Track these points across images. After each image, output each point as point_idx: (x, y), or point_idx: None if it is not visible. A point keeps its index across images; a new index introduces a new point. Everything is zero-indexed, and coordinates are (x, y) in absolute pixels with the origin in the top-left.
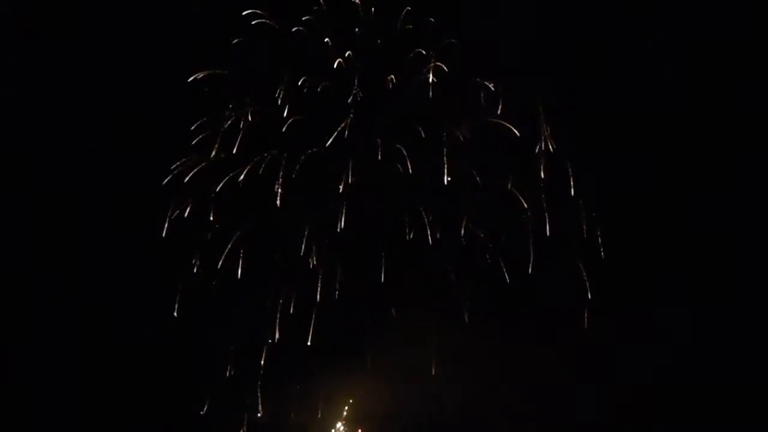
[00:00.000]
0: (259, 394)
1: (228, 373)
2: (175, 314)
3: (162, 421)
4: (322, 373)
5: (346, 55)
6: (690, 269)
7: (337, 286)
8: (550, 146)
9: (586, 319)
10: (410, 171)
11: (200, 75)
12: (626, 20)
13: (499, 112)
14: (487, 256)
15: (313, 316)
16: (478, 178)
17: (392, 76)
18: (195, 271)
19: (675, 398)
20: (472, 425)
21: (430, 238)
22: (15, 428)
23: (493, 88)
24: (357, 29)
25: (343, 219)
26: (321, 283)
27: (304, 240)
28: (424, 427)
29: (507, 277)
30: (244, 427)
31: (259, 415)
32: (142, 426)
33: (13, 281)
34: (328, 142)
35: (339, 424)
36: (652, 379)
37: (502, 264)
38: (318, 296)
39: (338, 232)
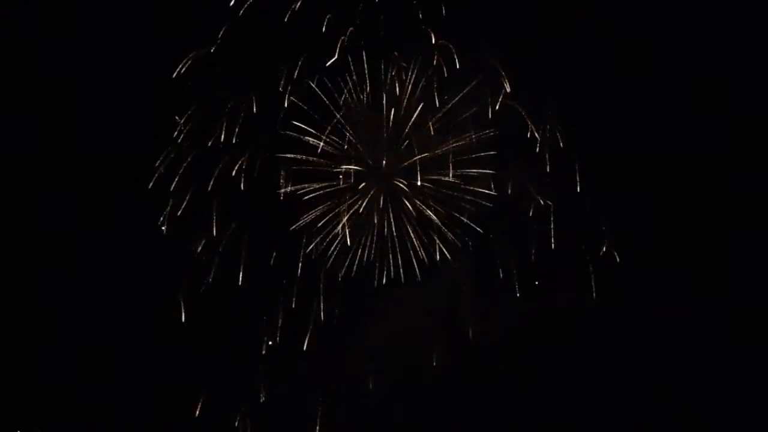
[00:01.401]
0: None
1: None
2: (183, 319)
3: (163, 412)
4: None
5: (348, 31)
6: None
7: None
8: (559, 138)
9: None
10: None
11: (185, 65)
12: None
13: (498, 105)
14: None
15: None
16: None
17: (396, 53)
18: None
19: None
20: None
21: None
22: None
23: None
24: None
25: (345, 216)
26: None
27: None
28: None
29: (517, 288)
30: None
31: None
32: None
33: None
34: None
35: None
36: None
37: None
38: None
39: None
